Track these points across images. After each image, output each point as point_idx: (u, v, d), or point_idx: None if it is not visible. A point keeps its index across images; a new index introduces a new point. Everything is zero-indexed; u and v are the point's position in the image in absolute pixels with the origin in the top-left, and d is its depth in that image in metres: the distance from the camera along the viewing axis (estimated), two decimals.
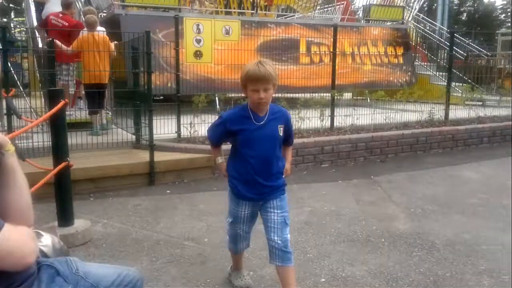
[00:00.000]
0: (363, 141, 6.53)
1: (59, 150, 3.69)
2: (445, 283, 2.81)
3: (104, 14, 10.43)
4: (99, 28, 6.99)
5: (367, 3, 12.30)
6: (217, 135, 2.51)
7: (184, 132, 6.31)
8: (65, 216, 3.67)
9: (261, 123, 2.37)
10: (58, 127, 3.70)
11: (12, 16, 27.20)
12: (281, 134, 2.42)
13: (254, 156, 2.37)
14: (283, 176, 2.49)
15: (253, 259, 3.16)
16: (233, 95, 9.02)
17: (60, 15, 7.47)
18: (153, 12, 9.47)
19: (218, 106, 8.54)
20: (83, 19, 7.52)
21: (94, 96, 6.63)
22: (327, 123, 6.99)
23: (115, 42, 7.08)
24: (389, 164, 6.42)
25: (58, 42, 6.44)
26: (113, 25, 8.98)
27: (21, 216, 1.31)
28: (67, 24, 7.29)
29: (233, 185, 2.48)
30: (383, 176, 5.65)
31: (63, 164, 3.66)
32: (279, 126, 2.41)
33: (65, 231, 3.51)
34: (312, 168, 6.10)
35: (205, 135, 6.34)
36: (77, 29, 7.08)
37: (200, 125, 6.29)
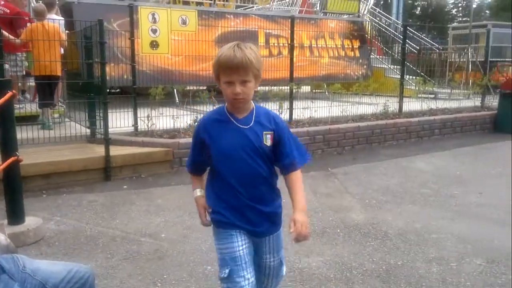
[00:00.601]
0: (321, 133, 6.65)
1: (7, 144, 3.53)
2: (396, 272, 2.92)
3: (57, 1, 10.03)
4: (55, 16, 6.70)
5: None
6: (192, 154, 1.87)
7: (142, 126, 6.19)
8: (15, 214, 3.52)
9: (242, 127, 1.74)
10: (6, 120, 3.54)
11: None
12: (267, 144, 1.74)
13: (233, 172, 1.73)
14: (290, 231, 1.66)
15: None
16: (192, 87, 8.93)
17: (2, 2, 7.12)
18: (107, 0, 9.18)
19: (177, 99, 8.42)
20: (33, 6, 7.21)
21: (45, 88, 6.37)
22: (286, 116, 7.06)
23: (67, 31, 6.83)
24: (346, 156, 6.57)
25: (4, 32, 6.13)
26: (66, 13, 8.65)
27: None
28: (8, 11, 6.96)
29: (217, 216, 1.78)
30: (339, 168, 5.78)
31: (11, 159, 3.50)
32: (264, 132, 1.75)
33: (15, 229, 3.38)
34: None
35: (163, 128, 6.31)
36: (19, 16, 6.78)
37: (157, 118, 6.19)
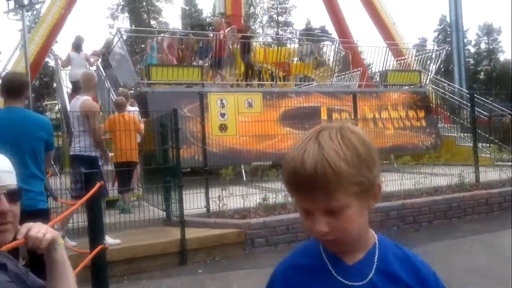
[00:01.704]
0: (395, 209, 6.41)
1: (95, 233, 3.72)
2: None
3: (132, 92, 10.93)
4: (131, 108, 7.27)
5: (383, 69, 12.60)
6: None
7: (213, 206, 6.31)
8: None
9: (351, 285, 0.99)
10: (94, 210, 3.76)
11: (45, 100, 28.80)
12: None
13: None
14: None
15: None
16: (259, 163, 9.11)
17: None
18: (177, 88, 9.87)
19: (244, 178, 8.58)
20: (113, 99, 7.91)
21: (124, 174, 6.77)
22: None
23: (143, 120, 7.34)
24: (424, 233, 6.24)
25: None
26: (140, 101, 9.38)
27: None
28: None
29: None
30: (418, 247, 5.46)
31: (99, 247, 3.67)
32: None
33: None
34: None
35: (234, 207, 6.40)
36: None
37: (228, 198, 6.30)
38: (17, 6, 8.27)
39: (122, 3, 42.70)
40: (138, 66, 11.30)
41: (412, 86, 12.56)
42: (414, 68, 13.38)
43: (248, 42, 11.60)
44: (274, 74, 12.86)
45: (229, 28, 12.53)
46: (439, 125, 12.37)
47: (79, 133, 5.16)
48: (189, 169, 10.45)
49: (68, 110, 5.33)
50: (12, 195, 1.33)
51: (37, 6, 11.04)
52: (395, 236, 6.08)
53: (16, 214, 1.34)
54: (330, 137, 0.93)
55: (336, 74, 15.01)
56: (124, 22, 42.29)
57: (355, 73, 14.47)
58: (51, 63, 23.49)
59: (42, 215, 3.06)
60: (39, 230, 1.36)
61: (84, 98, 5.22)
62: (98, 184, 3.80)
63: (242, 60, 11.57)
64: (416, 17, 74.96)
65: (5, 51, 39.28)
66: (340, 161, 0.90)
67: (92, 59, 11.08)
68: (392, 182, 7.26)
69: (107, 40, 12.78)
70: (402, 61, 14.06)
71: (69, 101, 9.45)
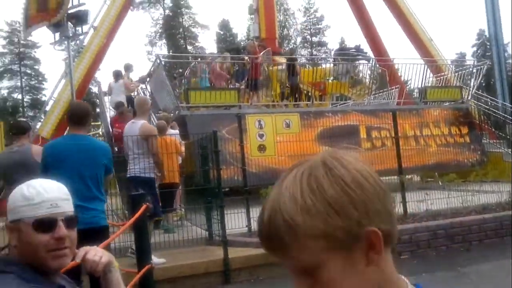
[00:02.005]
0: (442, 228, 6.18)
1: (142, 254, 3.78)
2: None
3: (171, 115, 11.18)
4: (172, 131, 7.43)
5: (422, 86, 12.35)
6: None
7: (254, 225, 6.30)
8: None
9: None
10: (141, 231, 3.83)
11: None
12: None
13: None
14: None
15: None
16: None
17: (116, 124, 8.19)
18: (216, 111, 10.02)
19: None
20: (155, 122, 8.12)
21: (167, 195, 6.87)
22: (399, 209, 6.75)
23: (183, 142, 7.48)
24: (475, 252, 5.96)
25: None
26: (180, 123, 9.57)
27: None
28: (120, 131, 7.97)
29: None
30: (471, 267, 5.24)
31: (147, 267, 3.72)
32: None
33: None
34: None
35: None
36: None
37: None
38: (62, 37, 8.69)
39: (160, 30, 44.16)
40: (177, 90, 11.58)
41: (453, 102, 12.25)
42: (454, 84, 13.07)
43: (293, 64, 11.74)
44: (310, 94, 12.85)
45: (264, 51, 12.70)
46: (484, 141, 11.95)
47: (138, 156, 5.31)
48: (227, 189, 10.50)
49: (124, 134, 5.55)
50: (70, 221, 1.37)
51: (81, 37, 11.57)
52: (444, 256, 5.86)
53: (73, 239, 1.39)
54: (294, 178, 0.71)
55: (373, 92, 14.89)
56: (162, 48, 43.67)
57: (393, 90, 14.27)
58: (94, 89, 24.44)
59: (104, 231, 3.52)
60: (95, 253, 1.43)
61: (141, 122, 5.43)
62: (144, 206, 3.88)
63: (289, 82, 11.70)
64: (453, 32, 73.52)
65: (51, 79, 41.37)
66: (297, 210, 0.69)
67: (131, 86, 11.49)
68: (438, 200, 7.04)
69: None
70: (441, 77, 13.78)
71: (111, 125, 9.80)
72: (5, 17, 47.84)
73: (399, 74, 15.08)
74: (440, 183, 8.90)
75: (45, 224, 1.32)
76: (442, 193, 7.43)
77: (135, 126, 5.43)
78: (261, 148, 8.01)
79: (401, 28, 17.08)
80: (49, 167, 3.53)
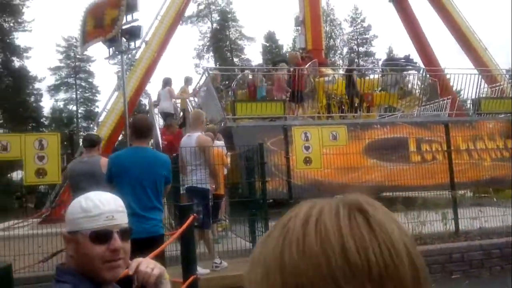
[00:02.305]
0: (498, 247, 5.88)
1: (188, 264, 3.84)
2: None
3: (217, 126, 11.37)
4: (218, 142, 7.55)
5: (476, 96, 11.87)
6: None
7: None
8: None
9: None
10: (188, 242, 3.90)
11: None
12: None
13: None
14: None
15: None
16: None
17: (164, 136, 8.45)
18: (261, 123, 10.09)
19: None
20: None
21: (212, 206, 6.96)
22: (451, 227, 6.49)
23: (229, 153, 7.56)
24: None
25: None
26: (226, 135, 9.70)
27: None
28: (166, 143, 8.17)
29: None
30: None
31: (192, 278, 3.78)
32: None
33: None
34: (440, 279, 5.55)
35: None
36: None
37: None
38: (116, 52, 9.09)
39: (208, 43, 45.14)
40: (223, 102, 11.76)
41: (509, 114, 11.66)
42: (510, 95, 12.46)
43: (351, 75, 11.67)
44: (357, 105, 12.66)
45: (310, 62, 12.66)
46: None
47: (196, 167, 5.45)
48: (271, 200, 10.50)
49: (181, 146, 5.72)
50: (124, 233, 1.42)
51: (133, 51, 12.05)
52: (498, 276, 5.56)
53: (127, 251, 1.43)
54: (294, 225, 0.56)
55: (423, 104, 14.46)
56: (209, 61, 44.59)
57: (444, 101, 13.78)
58: (144, 101, 25.23)
59: (161, 239, 3.74)
60: (147, 265, 1.46)
61: (197, 135, 5.58)
62: (192, 217, 3.96)
63: (347, 93, 11.63)
64: (509, 40, 70.22)
65: (104, 91, 43.19)
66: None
67: (176, 93, 11.90)
68: (492, 217, 6.71)
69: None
70: (496, 88, 13.18)
71: (161, 135, 10.09)
72: (62, 33, 50.37)
73: (451, 84, 14.57)
74: (495, 200, 8.48)
75: (102, 236, 1.38)
76: (497, 210, 7.07)
77: (191, 139, 5.58)
78: (307, 160, 7.92)
79: (454, 37, 16.54)
80: (114, 177, 3.76)
